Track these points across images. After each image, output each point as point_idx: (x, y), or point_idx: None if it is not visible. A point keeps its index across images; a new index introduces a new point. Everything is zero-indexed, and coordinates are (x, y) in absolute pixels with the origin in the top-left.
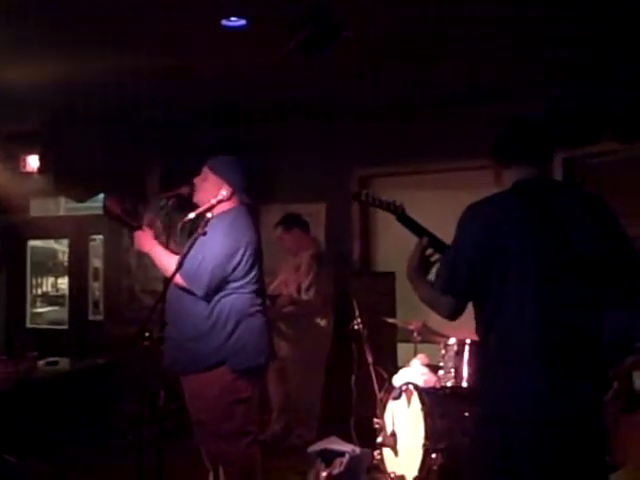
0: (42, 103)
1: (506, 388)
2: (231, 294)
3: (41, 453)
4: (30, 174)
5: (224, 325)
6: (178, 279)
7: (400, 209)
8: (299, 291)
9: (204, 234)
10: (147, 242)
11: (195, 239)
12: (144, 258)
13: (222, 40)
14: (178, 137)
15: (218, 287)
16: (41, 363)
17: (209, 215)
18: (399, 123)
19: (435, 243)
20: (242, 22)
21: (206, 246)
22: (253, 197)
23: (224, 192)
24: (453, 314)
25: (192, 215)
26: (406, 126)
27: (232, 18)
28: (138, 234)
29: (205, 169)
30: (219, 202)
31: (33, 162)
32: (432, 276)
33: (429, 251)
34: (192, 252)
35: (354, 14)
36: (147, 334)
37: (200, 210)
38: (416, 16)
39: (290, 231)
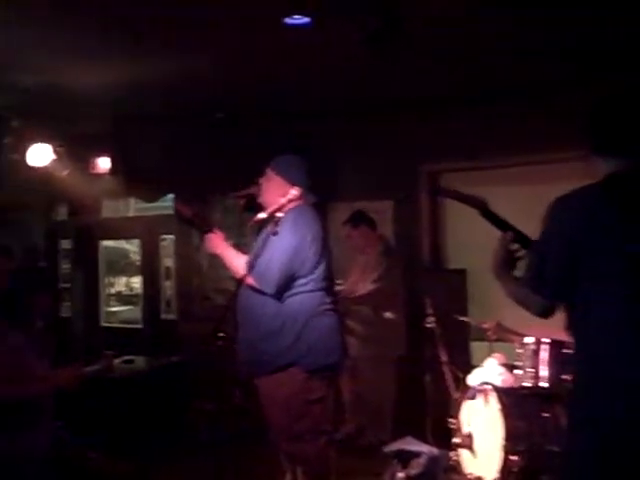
0: (112, 105)
1: (601, 391)
2: (299, 293)
3: (119, 451)
4: (101, 176)
5: (293, 325)
6: (248, 279)
7: (483, 203)
8: None
9: (275, 233)
10: (218, 244)
11: (266, 238)
12: (215, 257)
13: (286, 38)
14: (244, 137)
15: (287, 285)
16: (117, 362)
17: (280, 214)
18: (467, 117)
19: (520, 238)
20: (306, 20)
21: (273, 245)
22: (318, 195)
23: (294, 191)
24: (545, 312)
25: (263, 215)
26: (475, 120)
27: (296, 16)
28: (209, 237)
29: (268, 169)
30: (289, 201)
31: (104, 164)
32: (519, 272)
33: (514, 246)
34: (260, 252)
35: (419, 7)
36: (221, 334)
37: (271, 210)
38: (480, 8)
39: (358, 228)
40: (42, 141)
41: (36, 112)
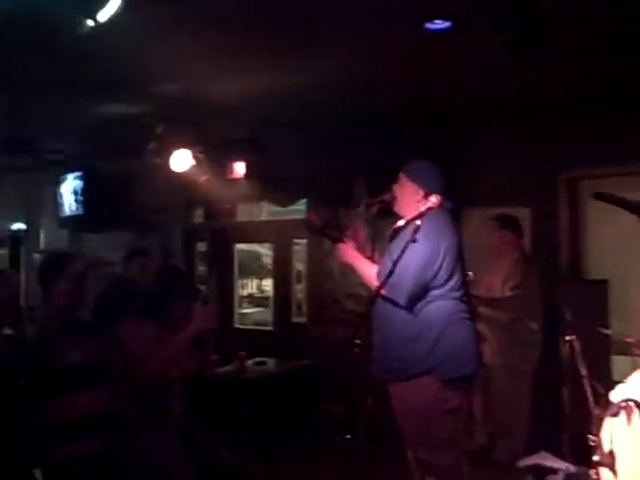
0: (250, 111)
1: None
2: (434, 301)
3: (249, 451)
4: (237, 180)
5: (429, 333)
6: (381, 289)
7: None
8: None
9: (414, 240)
10: (348, 254)
11: (405, 246)
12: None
13: (425, 43)
14: (379, 142)
15: (420, 295)
16: (250, 363)
17: (418, 222)
18: (610, 120)
19: None
20: (447, 24)
21: (408, 253)
22: (453, 200)
23: (433, 199)
24: None
25: (402, 222)
26: (619, 123)
27: (436, 21)
28: (339, 246)
29: (401, 175)
30: (428, 209)
31: (239, 169)
32: None
33: None
34: (388, 263)
35: (560, 9)
36: (358, 341)
37: (410, 217)
38: (625, 9)
39: (502, 229)
40: (183, 147)
41: (178, 119)
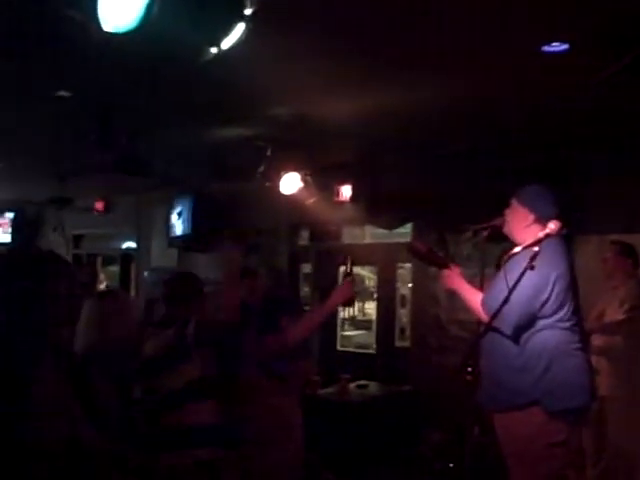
0: (357, 134)
1: None
2: (543, 330)
3: (350, 472)
4: (343, 203)
5: (537, 363)
6: (488, 318)
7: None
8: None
9: (532, 268)
10: (454, 280)
11: (522, 273)
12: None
13: (540, 65)
14: (486, 167)
15: (527, 325)
16: (352, 386)
17: (536, 249)
18: None
19: None
20: (564, 47)
21: (512, 283)
22: (567, 226)
23: (552, 225)
24: None
25: (518, 249)
26: None
27: (554, 43)
28: (445, 273)
29: (513, 200)
30: (547, 236)
31: (346, 191)
32: None
33: None
34: (496, 290)
35: None
36: (469, 369)
37: (528, 244)
38: None
39: (619, 256)
40: (292, 170)
41: (288, 142)
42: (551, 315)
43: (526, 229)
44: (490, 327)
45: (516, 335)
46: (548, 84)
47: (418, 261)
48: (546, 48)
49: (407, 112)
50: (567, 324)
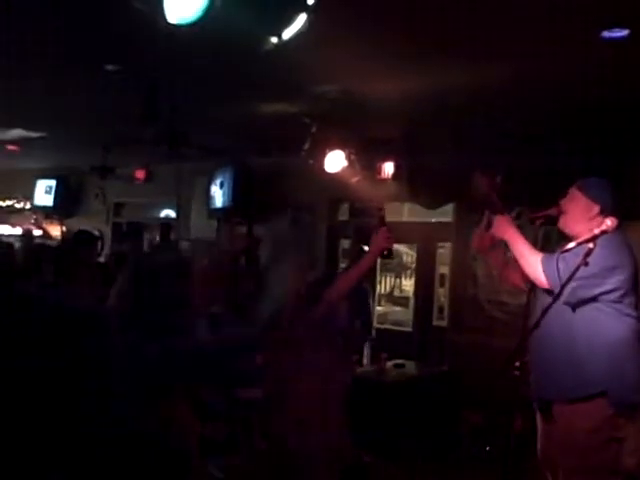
0: (400, 112)
1: None
2: (610, 317)
3: (387, 454)
4: (385, 180)
5: (609, 353)
6: (542, 280)
7: None
8: None
9: (586, 264)
10: (508, 228)
11: (576, 269)
12: (491, 268)
13: (599, 51)
14: (535, 155)
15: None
16: (389, 365)
17: (590, 245)
18: None
19: None
20: (624, 32)
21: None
22: (620, 214)
23: (609, 222)
24: None
25: (572, 244)
26: None
27: (614, 29)
28: (499, 218)
29: (574, 190)
30: (603, 232)
31: (388, 169)
32: None
33: None
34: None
35: None
36: (517, 363)
37: (581, 240)
38: None
39: None
40: (337, 147)
41: (333, 119)
42: (616, 302)
43: (589, 221)
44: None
45: (574, 305)
46: (608, 71)
47: (461, 232)
48: (606, 34)
49: (452, 92)
50: (633, 314)
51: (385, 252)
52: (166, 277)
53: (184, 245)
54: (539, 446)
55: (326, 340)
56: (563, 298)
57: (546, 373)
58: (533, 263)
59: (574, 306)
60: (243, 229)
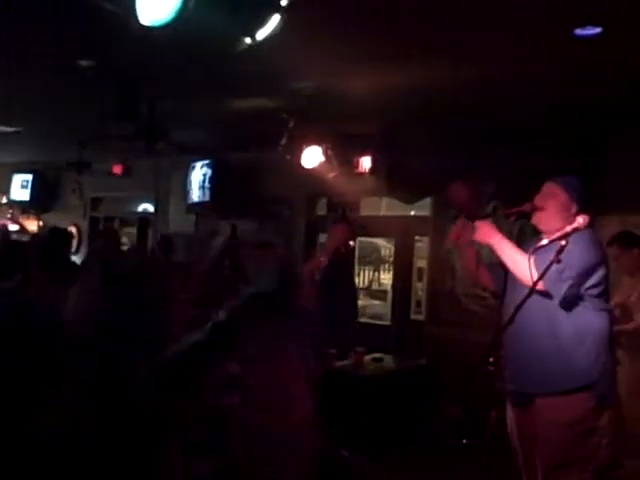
0: (377, 108)
1: None
2: (592, 311)
3: (365, 448)
4: (362, 175)
5: (596, 345)
6: (538, 284)
7: None
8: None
9: (558, 261)
10: (490, 233)
11: (549, 266)
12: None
13: (572, 49)
14: (512, 145)
15: (575, 297)
16: (367, 359)
17: (563, 242)
18: None
19: None
20: (597, 30)
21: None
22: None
23: (580, 220)
24: None
25: (545, 242)
26: None
27: (587, 27)
28: (481, 224)
29: (552, 187)
30: (574, 230)
31: (366, 163)
32: None
33: None
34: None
35: None
36: (491, 359)
37: (554, 237)
38: None
39: (628, 250)
40: (314, 143)
41: (310, 114)
42: (596, 297)
43: (563, 219)
44: (541, 294)
45: (566, 304)
46: (579, 68)
47: (453, 207)
48: (579, 32)
49: (427, 88)
50: (607, 308)
51: (343, 248)
52: (136, 277)
53: None
54: (514, 440)
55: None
56: (557, 298)
57: (528, 367)
58: (522, 265)
59: (568, 305)
60: (221, 224)
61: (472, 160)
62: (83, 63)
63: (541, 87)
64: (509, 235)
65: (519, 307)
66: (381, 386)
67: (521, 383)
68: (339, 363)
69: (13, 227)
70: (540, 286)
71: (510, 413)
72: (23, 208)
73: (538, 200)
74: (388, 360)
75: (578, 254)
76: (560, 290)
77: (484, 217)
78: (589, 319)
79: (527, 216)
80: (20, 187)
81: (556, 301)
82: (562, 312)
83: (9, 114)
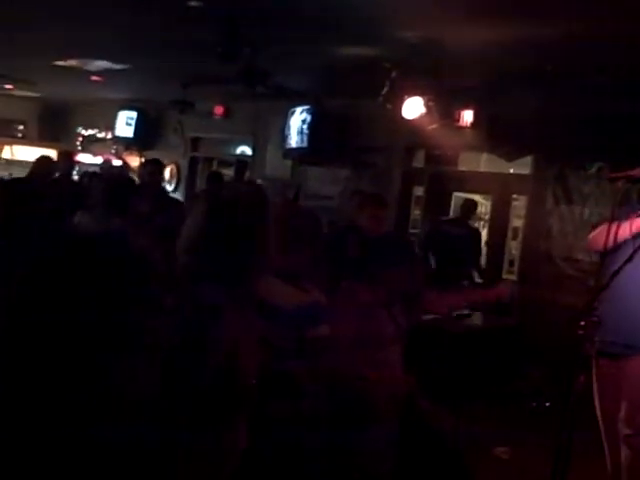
0: (481, 60)
1: None
2: None
3: (446, 402)
4: (463, 128)
5: None
6: None
7: None
8: None
9: None
10: None
11: None
12: (566, 224)
13: None
14: (625, 106)
15: None
16: (453, 315)
17: None
18: None
19: None
20: None
21: None
22: None
23: None
24: None
25: None
26: None
27: None
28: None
29: None
30: None
31: (467, 117)
32: None
33: None
34: None
35: None
36: (582, 322)
37: None
38: None
39: None
40: (415, 94)
41: (413, 65)
42: None
43: None
44: None
45: None
46: None
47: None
48: None
49: (535, 43)
50: None
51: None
52: (243, 209)
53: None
54: (600, 403)
55: None
56: None
57: (630, 322)
58: None
59: None
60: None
61: (578, 121)
62: (192, 3)
63: None
64: (612, 199)
65: (627, 261)
66: (467, 342)
67: (617, 343)
68: (426, 317)
69: (116, 162)
70: None
71: (596, 377)
72: (126, 144)
73: None
74: (476, 317)
75: None
76: None
77: None
78: None
79: (635, 181)
80: (125, 124)
81: None
82: None
83: (118, 51)
